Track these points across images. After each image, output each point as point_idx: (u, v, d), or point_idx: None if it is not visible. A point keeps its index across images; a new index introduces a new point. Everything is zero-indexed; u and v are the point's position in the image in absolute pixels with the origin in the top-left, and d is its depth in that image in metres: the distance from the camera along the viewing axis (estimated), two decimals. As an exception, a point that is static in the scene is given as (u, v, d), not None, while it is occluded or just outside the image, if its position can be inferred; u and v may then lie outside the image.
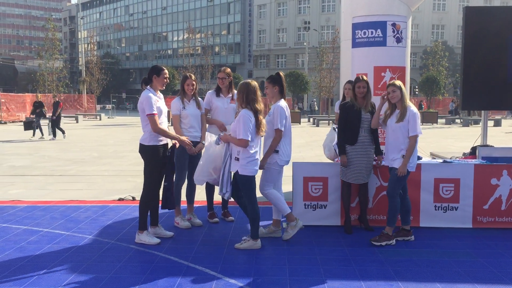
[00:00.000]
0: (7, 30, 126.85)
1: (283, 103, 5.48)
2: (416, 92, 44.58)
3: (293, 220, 5.44)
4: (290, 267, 4.62)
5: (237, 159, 5.05)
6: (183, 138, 5.46)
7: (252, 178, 5.09)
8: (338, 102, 7.02)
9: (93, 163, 12.19)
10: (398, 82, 5.37)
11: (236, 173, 5.09)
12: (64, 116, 34.82)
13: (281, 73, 5.59)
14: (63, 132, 19.33)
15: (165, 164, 5.44)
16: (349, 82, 6.87)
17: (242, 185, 5.10)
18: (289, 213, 5.41)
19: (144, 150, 5.29)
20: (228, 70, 6.28)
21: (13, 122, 33.40)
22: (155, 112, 5.17)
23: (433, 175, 6.03)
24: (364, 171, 5.73)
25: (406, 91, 5.42)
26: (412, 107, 5.31)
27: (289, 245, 5.34)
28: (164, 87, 5.47)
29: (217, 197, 6.17)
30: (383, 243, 5.34)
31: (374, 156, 5.86)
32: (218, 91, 6.23)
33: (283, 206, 5.40)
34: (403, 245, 5.35)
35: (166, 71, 5.37)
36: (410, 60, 7.47)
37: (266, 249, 5.20)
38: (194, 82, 5.95)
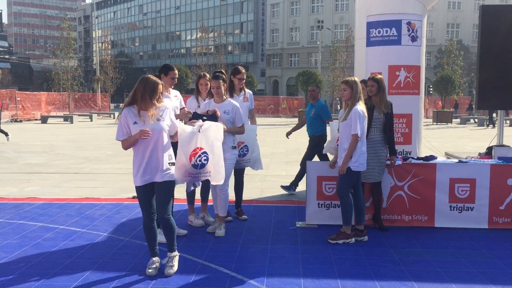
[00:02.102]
0: (23, 29, 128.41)
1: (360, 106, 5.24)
2: (431, 92, 44.15)
3: None
4: (303, 267, 4.62)
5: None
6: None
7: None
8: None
9: (107, 161, 12.29)
10: (352, 79, 5.27)
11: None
12: (79, 115, 35.25)
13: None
14: (6, 135, 17.03)
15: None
16: (362, 82, 6.88)
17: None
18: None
19: None
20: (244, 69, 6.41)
21: (28, 120, 33.80)
22: None
23: (448, 175, 5.98)
24: (375, 170, 5.69)
25: (360, 89, 5.25)
26: (359, 106, 5.17)
27: (303, 244, 5.33)
28: (172, 87, 5.46)
29: (233, 196, 6.18)
30: (340, 241, 5.31)
31: (388, 155, 5.84)
32: (231, 91, 6.26)
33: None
34: (418, 246, 5.31)
35: (175, 71, 5.39)
36: (425, 59, 7.41)
37: (280, 247, 5.20)
38: (208, 82, 5.98)
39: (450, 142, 18.32)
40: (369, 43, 7.13)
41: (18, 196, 7.90)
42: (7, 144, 16.43)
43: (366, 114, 5.25)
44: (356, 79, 5.33)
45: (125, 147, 4.28)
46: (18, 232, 5.73)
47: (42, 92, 42.60)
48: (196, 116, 5.25)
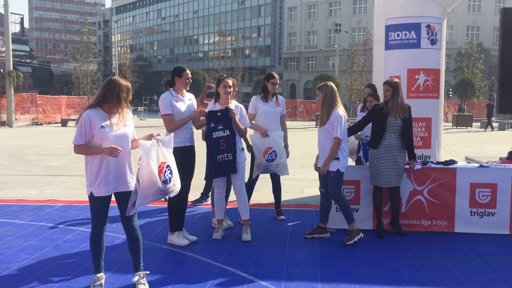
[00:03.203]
0: (44, 34, 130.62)
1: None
2: (450, 95, 43.66)
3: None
4: (321, 271, 4.59)
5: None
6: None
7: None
8: (359, 106, 7.05)
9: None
10: (328, 84, 5.48)
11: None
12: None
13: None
14: None
15: (190, 166, 5.42)
16: (368, 86, 6.94)
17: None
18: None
19: None
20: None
21: (49, 123, 34.33)
22: (168, 112, 5.20)
23: (469, 180, 5.90)
24: (392, 175, 5.64)
25: (337, 93, 5.48)
26: (339, 110, 5.37)
27: (321, 248, 5.31)
28: (187, 87, 5.40)
29: (253, 199, 6.18)
30: (356, 239, 5.39)
31: (406, 160, 5.78)
32: (265, 96, 6.29)
33: None
34: (438, 251, 5.25)
35: (187, 71, 5.37)
36: (444, 62, 7.32)
37: (298, 251, 5.18)
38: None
39: (470, 146, 18.07)
40: (388, 46, 7.08)
41: (38, 198, 8.02)
42: (28, 147, 16.70)
43: (346, 116, 5.49)
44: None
45: (80, 152, 3.92)
46: (38, 234, 5.81)
47: (62, 96, 43.27)
48: (211, 114, 5.27)
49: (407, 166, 5.82)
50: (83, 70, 40.17)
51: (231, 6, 78.53)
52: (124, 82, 3.98)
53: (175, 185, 4.19)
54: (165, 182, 4.04)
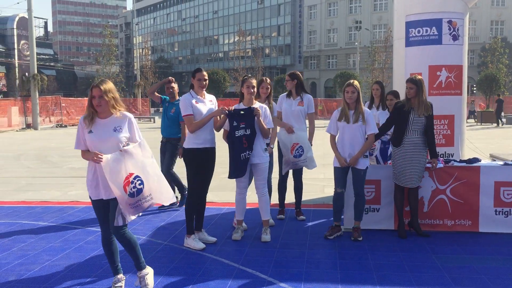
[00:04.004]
0: (67, 37, 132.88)
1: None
2: (474, 91, 42.86)
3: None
4: (341, 272, 4.53)
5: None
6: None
7: None
8: (366, 103, 7.01)
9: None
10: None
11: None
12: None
13: None
14: None
15: (209, 169, 5.41)
16: (377, 82, 7.07)
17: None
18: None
19: (184, 153, 5.36)
20: (297, 73, 6.51)
21: (73, 125, 34.85)
22: (189, 113, 5.20)
23: (493, 178, 5.76)
24: (414, 174, 5.54)
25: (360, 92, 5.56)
26: (366, 108, 5.60)
27: (341, 249, 5.25)
28: (202, 88, 5.35)
29: (273, 199, 6.15)
30: (360, 238, 5.52)
31: (429, 158, 5.68)
32: (289, 93, 6.42)
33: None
34: (462, 251, 5.13)
35: (202, 73, 5.34)
36: (467, 58, 7.16)
37: (318, 252, 5.14)
38: (269, 86, 6.13)
39: (496, 143, 17.69)
40: (408, 43, 6.96)
41: (61, 200, 8.13)
42: (53, 149, 16.99)
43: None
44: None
45: (83, 157, 3.97)
46: (61, 235, 5.89)
47: (85, 98, 43.84)
48: (234, 112, 5.25)
49: (428, 165, 5.71)
50: (105, 72, 40.73)
51: (250, 5, 78.56)
52: (95, 85, 3.85)
53: (151, 195, 3.92)
54: (131, 195, 3.80)
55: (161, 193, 4.03)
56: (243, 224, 6.06)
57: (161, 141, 7.20)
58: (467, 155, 7.24)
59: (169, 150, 7.11)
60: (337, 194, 5.64)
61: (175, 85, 7.19)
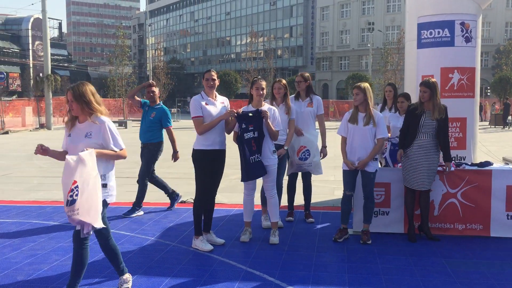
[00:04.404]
0: (81, 38, 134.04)
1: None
2: (488, 93, 42.40)
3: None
4: (349, 276, 4.50)
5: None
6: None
7: None
8: (379, 106, 6.96)
9: (157, 166, 12.46)
10: (363, 85, 5.45)
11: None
12: (132, 120, 36.28)
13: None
14: None
15: (217, 171, 5.39)
16: (389, 84, 7.10)
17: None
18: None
19: (193, 154, 5.35)
20: (307, 74, 6.49)
21: (85, 125, 35.14)
22: (198, 114, 5.19)
23: (505, 182, 5.68)
24: (424, 177, 5.48)
25: (371, 94, 5.49)
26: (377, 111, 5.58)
27: (350, 252, 5.20)
28: (211, 89, 5.28)
29: (283, 201, 6.12)
30: (369, 242, 5.49)
31: (441, 162, 5.62)
32: (297, 95, 6.37)
33: None
34: (472, 256, 5.06)
35: (210, 73, 5.31)
36: (481, 60, 7.08)
37: (326, 255, 5.10)
38: (283, 86, 6.02)
39: (509, 146, 17.47)
40: (420, 45, 6.90)
41: (72, 199, 8.16)
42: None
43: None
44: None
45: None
46: (70, 235, 5.87)
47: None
48: (242, 115, 5.23)
49: (440, 168, 5.65)
50: (118, 73, 40.99)
51: (263, 7, 78.59)
52: (67, 88, 3.83)
53: (78, 210, 3.52)
54: (66, 203, 3.53)
55: (88, 213, 3.60)
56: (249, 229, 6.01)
57: (140, 146, 7.10)
58: (480, 158, 7.16)
59: (145, 156, 6.98)
60: (346, 196, 5.61)
61: (156, 89, 7.06)
